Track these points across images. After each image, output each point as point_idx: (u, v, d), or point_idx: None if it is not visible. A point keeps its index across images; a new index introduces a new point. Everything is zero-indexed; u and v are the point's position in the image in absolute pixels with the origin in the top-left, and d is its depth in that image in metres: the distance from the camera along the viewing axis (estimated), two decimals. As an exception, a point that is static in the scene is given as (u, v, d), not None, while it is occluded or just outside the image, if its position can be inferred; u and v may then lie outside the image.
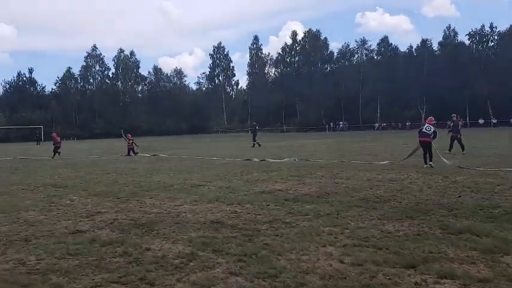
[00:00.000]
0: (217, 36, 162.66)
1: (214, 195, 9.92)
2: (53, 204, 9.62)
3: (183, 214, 7.96)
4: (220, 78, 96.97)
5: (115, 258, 5.49)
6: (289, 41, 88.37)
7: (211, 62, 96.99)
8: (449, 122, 60.96)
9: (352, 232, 6.19)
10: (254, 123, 37.86)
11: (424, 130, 14.68)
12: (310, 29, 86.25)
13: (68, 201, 9.97)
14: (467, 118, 64.19)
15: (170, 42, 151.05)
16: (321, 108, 78.87)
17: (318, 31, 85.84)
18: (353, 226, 6.54)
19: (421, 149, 14.62)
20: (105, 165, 19.38)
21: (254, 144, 31.23)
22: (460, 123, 21.60)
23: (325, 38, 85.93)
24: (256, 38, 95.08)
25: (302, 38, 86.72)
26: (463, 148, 19.47)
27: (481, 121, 57.01)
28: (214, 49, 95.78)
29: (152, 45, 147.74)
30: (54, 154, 26.37)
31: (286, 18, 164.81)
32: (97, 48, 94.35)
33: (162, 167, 17.47)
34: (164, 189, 11.18)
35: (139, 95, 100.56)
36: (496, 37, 68.77)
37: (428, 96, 68.35)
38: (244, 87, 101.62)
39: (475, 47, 70.84)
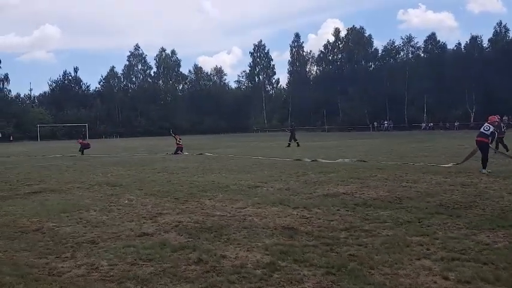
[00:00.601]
0: (255, 35, 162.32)
1: (275, 197, 9.51)
2: (113, 204, 9.45)
3: (249, 218, 7.57)
4: (261, 76, 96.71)
5: (190, 265, 5.14)
6: (331, 39, 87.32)
7: (251, 60, 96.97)
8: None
9: (444, 243, 5.62)
10: (292, 122, 37.47)
11: (482, 130, 13.43)
12: (353, 26, 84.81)
13: (126, 201, 9.79)
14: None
15: (208, 42, 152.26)
16: (364, 107, 77.23)
17: (362, 28, 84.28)
18: (442, 236, 5.96)
19: (479, 151, 13.16)
20: (154, 164, 19.32)
21: (297, 143, 30.75)
22: (503, 124, 20.65)
23: (370, 35, 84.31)
24: (297, 36, 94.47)
25: (345, 35, 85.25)
26: (502, 148, 18.94)
27: (535, 121, 54.35)
28: (254, 47, 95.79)
29: (191, 45, 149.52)
30: (83, 152, 27.94)
31: (325, 16, 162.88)
32: (139, 47, 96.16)
33: (212, 167, 17.22)
34: (221, 190, 10.85)
35: (180, 93, 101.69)
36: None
37: (478, 95, 65.71)
38: (284, 85, 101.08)
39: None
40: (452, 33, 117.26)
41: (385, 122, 73.49)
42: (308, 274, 4.69)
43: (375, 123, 73.26)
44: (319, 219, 7.30)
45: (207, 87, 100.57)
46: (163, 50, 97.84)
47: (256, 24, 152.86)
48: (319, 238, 6.09)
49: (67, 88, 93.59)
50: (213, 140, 51.07)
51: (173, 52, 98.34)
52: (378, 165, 15.66)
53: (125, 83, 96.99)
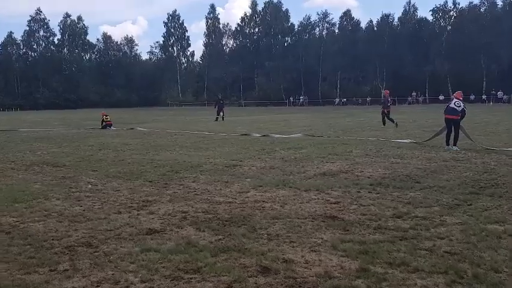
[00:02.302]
0: (162, 5, 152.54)
1: (271, 178, 8.35)
2: (74, 190, 7.73)
3: (268, 205, 6.36)
4: (175, 48, 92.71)
5: (257, 277, 3.88)
6: (241, 12, 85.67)
7: (165, 30, 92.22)
8: (409, 98, 61.33)
9: (534, 232, 4.87)
10: (220, 96, 36.08)
11: (452, 106, 12.83)
12: (270, 0, 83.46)
13: (89, 186, 8.08)
14: (427, 94, 64.94)
15: (111, 10, 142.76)
16: (280, 82, 77.08)
17: (280, 2, 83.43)
18: (517, 222, 5.23)
19: (445, 128, 12.72)
20: (86, 140, 17.12)
21: (218, 118, 29.61)
22: (389, 99, 22.91)
23: (287, 10, 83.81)
24: (212, 7, 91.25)
25: (262, 9, 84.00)
26: (392, 121, 20.81)
27: (441, 97, 57.66)
28: (168, 17, 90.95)
29: (92, 13, 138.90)
30: None
31: None
32: (41, 12, 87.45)
33: (159, 143, 15.54)
34: (196, 171, 9.44)
35: (87, 63, 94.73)
36: (455, 13, 68.78)
37: (388, 72, 68.28)
38: (198, 58, 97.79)
39: (437, 23, 70.98)
40: (354, 13, 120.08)
41: (301, 97, 74.08)
42: (428, 284, 3.63)
43: (291, 98, 73.60)
44: (353, 204, 6.28)
45: (116, 58, 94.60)
46: (68, 15, 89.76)
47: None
48: (381, 230, 5.07)
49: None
50: (130, 113, 47.70)
51: (79, 18, 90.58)
52: (340, 140, 15.01)
53: (24, 50, 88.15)
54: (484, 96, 56.80)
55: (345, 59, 68.38)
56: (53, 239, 5.04)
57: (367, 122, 25.38)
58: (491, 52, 59.06)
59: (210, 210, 6.14)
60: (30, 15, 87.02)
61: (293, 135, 17.08)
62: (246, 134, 18.25)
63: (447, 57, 62.47)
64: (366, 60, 68.24)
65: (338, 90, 73.96)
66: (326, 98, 70.93)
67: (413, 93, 63.41)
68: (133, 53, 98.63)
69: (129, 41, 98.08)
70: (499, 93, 55.54)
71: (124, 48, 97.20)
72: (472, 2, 67.72)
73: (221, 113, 29.97)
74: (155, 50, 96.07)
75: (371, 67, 69.39)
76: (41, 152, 13.57)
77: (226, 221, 5.61)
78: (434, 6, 70.14)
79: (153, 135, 19.10)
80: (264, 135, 17.46)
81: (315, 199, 6.63)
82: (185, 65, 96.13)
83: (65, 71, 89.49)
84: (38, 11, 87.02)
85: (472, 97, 52.46)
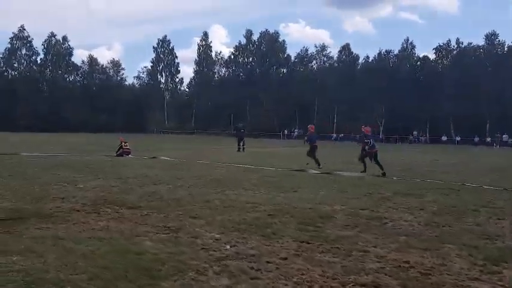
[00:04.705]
0: (139, 31, 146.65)
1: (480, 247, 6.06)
2: (218, 255, 5.32)
3: None
4: (164, 74, 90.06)
5: None
6: (218, 44, 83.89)
7: (154, 56, 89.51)
8: (411, 137, 59.88)
9: None
10: (241, 124, 34.90)
11: None
12: (267, 30, 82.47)
13: (228, 247, 5.70)
14: (427, 134, 63.77)
15: (87, 34, 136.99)
16: (273, 113, 75.07)
17: (276, 32, 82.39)
18: None
19: None
20: (120, 171, 14.52)
21: (239, 148, 27.96)
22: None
23: (283, 41, 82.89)
24: (205, 35, 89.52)
25: (258, 39, 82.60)
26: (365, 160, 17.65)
27: (444, 138, 56.61)
28: (158, 42, 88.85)
29: (69, 35, 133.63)
30: None
31: (210, 21, 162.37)
32: (25, 29, 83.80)
33: (216, 177, 13.16)
34: (335, 223, 7.23)
35: (70, 85, 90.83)
36: (454, 53, 68.98)
37: (386, 109, 66.75)
38: (185, 85, 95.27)
39: (440, 62, 70.59)
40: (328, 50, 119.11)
41: (296, 130, 72.11)
42: None
43: (285, 130, 71.54)
44: None
45: (101, 81, 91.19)
46: (53, 35, 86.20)
47: (140, 20, 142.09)
48: None
49: None
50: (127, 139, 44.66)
51: (64, 39, 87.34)
52: (441, 184, 12.83)
53: (4, 68, 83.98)
54: (488, 139, 55.79)
55: (342, 93, 66.96)
56: None
57: (406, 160, 23.48)
58: (494, 94, 58.36)
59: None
60: (13, 32, 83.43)
61: (361, 174, 15.02)
62: (301, 170, 16.02)
63: (449, 97, 60.99)
64: (364, 96, 66.48)
65: (334, 125, 72.35)
66: (321, 133, 68.83)
67: (415, 133, 62.04)
68: (119, 77, 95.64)
69: (115, 65, 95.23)
70: (504, 136, 54.37)
71: (110, 72, 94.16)
72: (471, 43, 67.96)
73: (241, 143, 28.10)
74: (142, 75, 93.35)
75: (369, 103, 67.70)
76: (83, 185, 10.94)
77: None
78: (437, 44, 69.97)
79: (192, 166, 16.65)
80: (327, 173, 15.29)
81: None
82: (172, 92, 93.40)
83: (46, 92, 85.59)
84: (22, 29, 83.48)
85: (477, 139, 51.59)
